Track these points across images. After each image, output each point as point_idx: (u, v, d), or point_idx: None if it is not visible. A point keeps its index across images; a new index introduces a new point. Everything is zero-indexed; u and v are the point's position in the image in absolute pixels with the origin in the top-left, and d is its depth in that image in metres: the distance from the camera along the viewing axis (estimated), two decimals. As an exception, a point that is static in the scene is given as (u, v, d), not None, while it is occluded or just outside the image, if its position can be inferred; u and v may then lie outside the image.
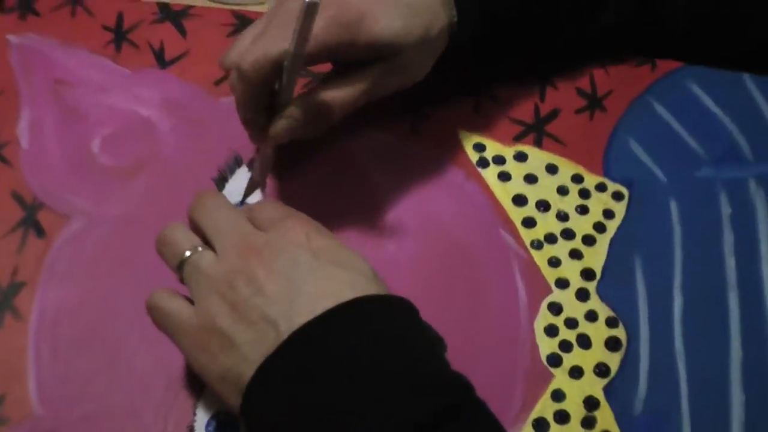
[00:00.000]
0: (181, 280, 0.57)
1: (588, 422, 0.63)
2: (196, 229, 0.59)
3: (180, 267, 0.57)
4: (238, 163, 0.70)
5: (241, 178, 0.70)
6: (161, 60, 0.74)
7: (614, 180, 0.72)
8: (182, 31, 0.76)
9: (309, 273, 0.53)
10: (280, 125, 0.62)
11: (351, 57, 0.62)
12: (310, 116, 0.62)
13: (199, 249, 0.57)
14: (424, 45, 0.64)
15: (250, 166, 0.70)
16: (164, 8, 0.77)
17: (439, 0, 0.65)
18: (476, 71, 0.75)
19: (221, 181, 0.69)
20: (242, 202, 0.68)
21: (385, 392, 0.49)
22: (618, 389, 0.64)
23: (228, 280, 0.54)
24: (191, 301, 0.56)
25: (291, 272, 0.53)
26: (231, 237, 0.56)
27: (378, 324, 0.52)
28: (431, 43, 0.65)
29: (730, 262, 0.69)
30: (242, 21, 0.76)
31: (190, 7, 0.77)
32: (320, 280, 0.53)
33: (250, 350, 0.52)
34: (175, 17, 0.76)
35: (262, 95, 0.61)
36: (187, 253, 0.57)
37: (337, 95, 0.62)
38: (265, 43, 0.59)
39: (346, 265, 0.55)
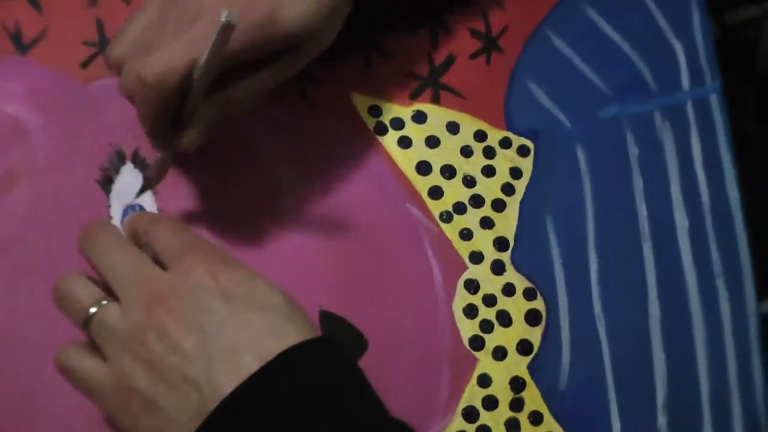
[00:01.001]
0: (89, 337, 0.54)
1: (516, 404, 0.63)
2: (91, 266, 0.56)
3: (86, 324, 0.54)
4: (121, 159, 0.65)
5: (127, 175, 0.65)
6: (19, 44, 0.67)
7: (518, 132, 0.69)
8: (37, 6, 0.68)
9: (222, 322, 0.51)
10: (191, 136, 0.58)
11: (263, 53, 0.57)
12: (221, 120, 0.58)
13: (103, 303, 0.54)
14: (332, 18, 0.59)
15: (135, 161, 0.65)
16: (12, -21, 0.69)
17: None
18: (364, 27, 0.70)
19: (107, 182, 0.64)
20: (137, 205, 0.64)
21: None
22: (542, 365, 0.64)
23: (138, 337, 0.51)
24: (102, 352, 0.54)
25: (203, 323, 0.51)
26: (132, 284, 0.53)
27: (306, 383, 0.50)
28: (339, 14, 0.60)
29: (642, 210, 0.68)
30: (100, -14, 0.69)
31: (40, -26, 0.69)
32: (235, 330, 0.51)
33: (175, 413, 0.50)
34: (26, -11, 0.69)
35: (168, 107, 0.56)
36: (92, 310, 0.53)
37: (248, 93, 0.58)
38: (169, 53, 0.54)
39: (261, 304, 0.53)
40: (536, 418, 0.62)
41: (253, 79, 0.58)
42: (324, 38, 0.61)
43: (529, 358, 0.64)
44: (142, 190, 0.64)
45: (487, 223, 0.66)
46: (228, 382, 0.49)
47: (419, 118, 0.69)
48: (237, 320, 0.51)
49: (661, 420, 0.63)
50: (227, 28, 0.50)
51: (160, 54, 0.54)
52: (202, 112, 0.57)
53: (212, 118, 0.57)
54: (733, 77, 0.74)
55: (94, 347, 0.54)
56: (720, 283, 0.67)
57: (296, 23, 0.56)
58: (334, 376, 0.52)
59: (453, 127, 0.69)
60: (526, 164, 0.68)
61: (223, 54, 0.53)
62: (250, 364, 0.49)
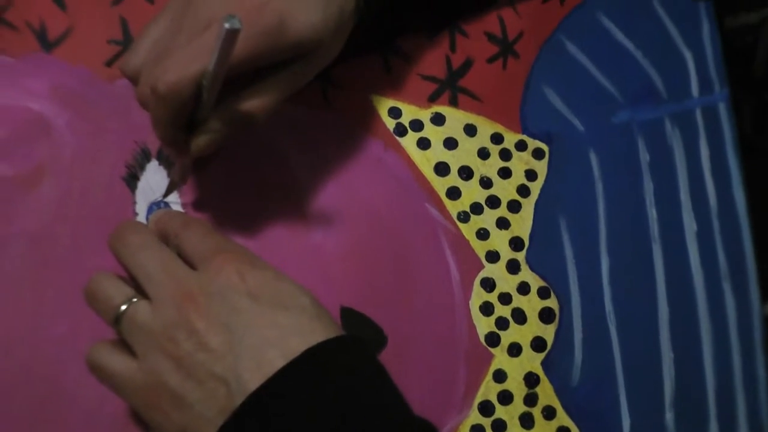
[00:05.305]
0: (120, 334, 0.56)
1: (530, 399, 0.65)
2: (122, 265, 0.57)
3: (117, 321, 0.55)
4: (146, 156, 0.66)
5: (152, 172, 0.66)
6: (45, 41, 0.68)
7: (533, 135, 0.71)
8: (61, 4, 0.69)
9: (249, 321, 0.53)
10: (203, 140, 0.58)
11: (273, 61, 0.58)
12: (233, 128, 0.59)
13: (133, 300, 0.55)
14: (339, 29, 0.61)
15: (160, 158, 0.66)
16: (37, -24, 0.70)
17: None
18: (383, 30, 0.71)
19: (132, 179, 0.66)
20: (162, 202, 0.65)
21: None
22: (555, 362, 0.66)
23: (168, 334, 0.53)
24: (131, 349, 0.55)
25: (230, 322, 0.52)
26: (163, 283, 0.54)
27: (330, 379, 0.52)
28: (346, 24, 0.61)
29: (652, 213, 0.70)
30: (125, -15, 0.71)
31: (66, -28, 0.70)
32: (262, 328, 0.53)
33: (203, 408, 0.52)
34: (52, -13, 0.70)
35: (182, 114, 0.57)
36: (122, 308, 0.55)
37: (260, 102, 0.58)
38: (180, 62, 0.55)
39: (287, 304, 0.54)
40: (549, 413, 0.64)
41: (261, 89, 0.58)
42: (331, 48, 0.62)
43: (542, 355, 0.66)
44: (167, 193, 0.65)
45: (503, 223, 0.68)
46: (254, 378, 0.50)
47: (438, 120, 0.70)
48: (264, 319, 0.53)
49: (669, 416, 0.65)
50: (230, 35, 0.50)
51: (171, 64, 0.55)
52: (213, 121, 0.58)
53: (222, 127, 0.58)
54: (730, 82, 0.76)
55: (124, 345, 0.55)
56: (726, 285, 0.69)
57: (305, 31, 0.57)
58: (357, 373, 0.53)
59: (470, 130, 0.70)
60: (541, 167, 0.70)
61: (232, 61, 0.53)
62: (275, 361, 0.51)
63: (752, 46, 1.06)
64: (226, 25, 0.50)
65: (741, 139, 0.74)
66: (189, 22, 0.57)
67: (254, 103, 0.58)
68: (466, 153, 0.70)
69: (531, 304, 0.67)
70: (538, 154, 0.70)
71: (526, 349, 0.66)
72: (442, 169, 0.69)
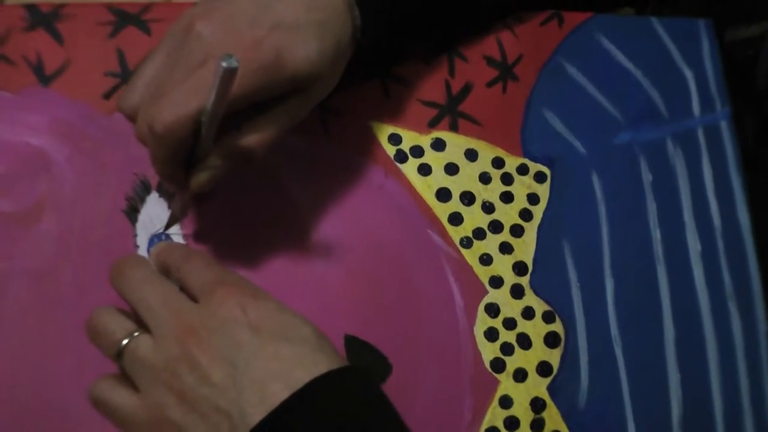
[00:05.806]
0: (122, 369, 0.55)
1: (537, 425, 0.64)
2: (123, 299, 0.57)
3: (119, 356, 0.55)
4: (146, 188, 0.66)
5: (153, 204, 0.66)
6: (42, 76, 0.68)
7: (534, 159, 0.71)
8: (58, 38, 0.69)
9: (251, 354, 0.52)
10: (203, 177, 0.59)
11: (270, 96, 0.58)
12: (232, 163, 0.59)
13: (135, 334, 0.55)
14: (336, 62, 0.61)
15: (160, 190, 0.66)
16: (33, 11, 0.69)
17: (344, 6, 0.61)
18: (381, 59, 0.71)
19: (132, 212, 0.66)
20: (163, 234, 0.65)
21: None
22: (561, 386, 0.65)
23: (170, 368, 0.52)
24: (134, 384, 0.55)
25: (233, 356, 0.52)
26: (164, 317, 0.54)
27: (334, 411, 0.51)
28: (342, 56, 0.62)
29: (656, 234, 0.69)
30: (122, 17, 0.70)
31: (61, 5, 0.70)
32: (265, 360, 0.52)
33: None
34: (48, 21, 0.69)
35: (180, 152, 0.57)
36: (124, 342, 0.54)
37: (258, 137, 0.58)
38: (176, 101, 0.55)
39: (290, 336, 0.53)
40: (557, 439, 0.64)
41: (260, 123, 0.58)
42: (329, 81, 0.62)
43: (548, 380, 0.65)
44: (168, 225, 0.65)
45: (506, 248, 0.68)
46: (257, 412, 0.50)
47: (438, 145, 0.70)
48: (266, 352, 0.52)
49: (677, 438, 0.65)
50: (228, 73, 0.50)
51: (167, 104, 0.55)
52: (212, 157, 0.58)
53: (222, 163, 0.58)
54: (732, 95, 0.76)
55: (127, 379, 0.55)
56: (731, 305, 0.69)
57: (302, 66, 0.57)
58: (361, 404, 0.53)
59: (471, 155, 0.70)
60: (543, 190, 0.70)
61: (231, 97, 0.53)
62: (279, 393, 0.50)
63: (753, 59, 1.05)
64: (224, 64, 0.50)
65: (743, 152, 0.73)
66: (185, 57, 0.57)
67: (253, 138, 0.58)
68: (467, 178, 0.69)
69: (536, 329, 0.66)
70: (539, 177, 0.70)
71: (532, 374, 0.65)
72: (443, 194, 0.69)
